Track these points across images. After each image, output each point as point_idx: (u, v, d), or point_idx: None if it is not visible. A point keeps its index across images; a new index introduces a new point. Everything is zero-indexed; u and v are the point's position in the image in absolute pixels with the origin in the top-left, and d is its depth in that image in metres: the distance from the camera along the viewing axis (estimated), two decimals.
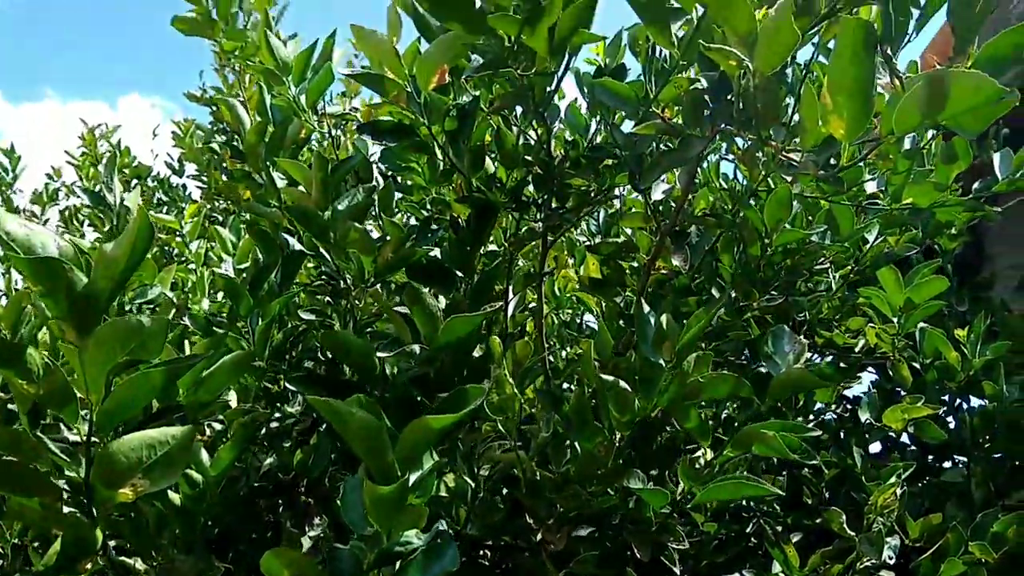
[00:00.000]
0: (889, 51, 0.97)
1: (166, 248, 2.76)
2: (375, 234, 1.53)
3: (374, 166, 1.65)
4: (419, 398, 1.27)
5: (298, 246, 1.45)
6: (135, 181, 3.43)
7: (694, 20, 1.15)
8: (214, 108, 3.09)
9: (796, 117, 1.13)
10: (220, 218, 3.38)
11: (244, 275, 2.00)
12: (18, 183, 3.76)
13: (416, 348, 1.23)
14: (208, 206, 3.11)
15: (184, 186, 3.61)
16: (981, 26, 0.89)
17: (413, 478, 0.81)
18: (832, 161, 1.12)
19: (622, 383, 1.05)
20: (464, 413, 0.79)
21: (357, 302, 1.47)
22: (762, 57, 1.01)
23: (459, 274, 1.44)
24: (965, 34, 0.89)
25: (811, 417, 1.77)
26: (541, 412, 1.17)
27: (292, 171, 1.36)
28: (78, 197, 3.72)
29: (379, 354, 1.23)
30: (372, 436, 0.78)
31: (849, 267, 1.62)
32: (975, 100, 0.87)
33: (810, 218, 1.54)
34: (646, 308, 1.08)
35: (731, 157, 1.62)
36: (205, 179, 3.17)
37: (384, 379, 1.29)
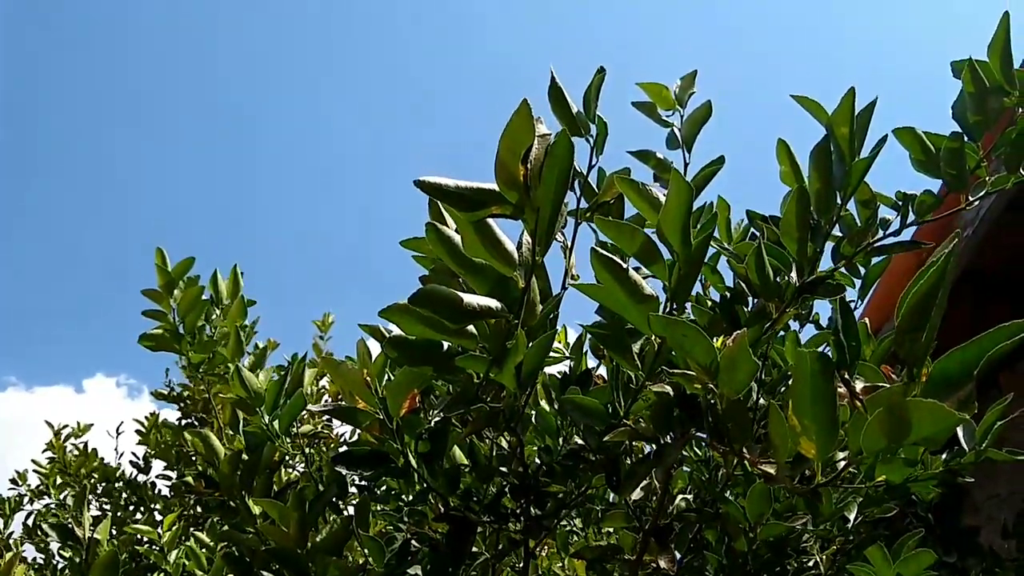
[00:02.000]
0: (846, 375, 1.01)
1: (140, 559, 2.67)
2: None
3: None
4: None
5: None
6: (104, 484, 3.37)
7: (654, 343, 1.19)
8: (182, 404, 3.10)
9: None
10: (191, 512, 3.30)
11: None
12: None
13: None
14: (180, 507, 3.04)
15: (153, 483, 3.56)
16: (928, 353, 0.94)
17: None
18: (807, 472, 1.13)
19: None
20: None
21: None
22: (726, 384, 1.04)
23: None
24: (915, 362, 0.93)
25: None
26: None
27: (269, 510, 1.35)
28: (44, 499, 3.64)
29: None
30: None
31: (835, 545, 1.61)
32: (938, 427, 0.89)
33: (789, 499, 1.54)
34: None
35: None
36: (173, 476, 3.12)
37: None
